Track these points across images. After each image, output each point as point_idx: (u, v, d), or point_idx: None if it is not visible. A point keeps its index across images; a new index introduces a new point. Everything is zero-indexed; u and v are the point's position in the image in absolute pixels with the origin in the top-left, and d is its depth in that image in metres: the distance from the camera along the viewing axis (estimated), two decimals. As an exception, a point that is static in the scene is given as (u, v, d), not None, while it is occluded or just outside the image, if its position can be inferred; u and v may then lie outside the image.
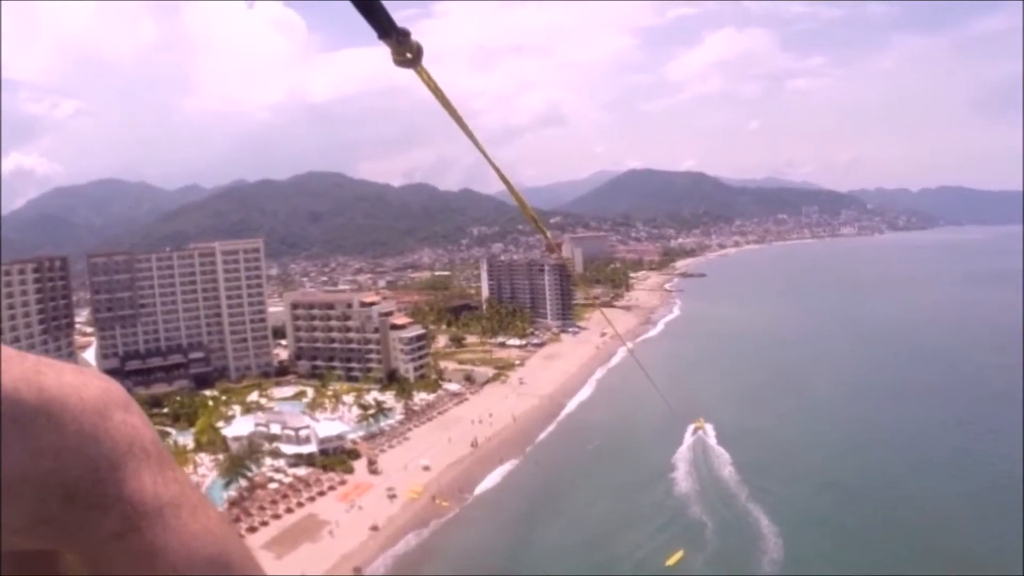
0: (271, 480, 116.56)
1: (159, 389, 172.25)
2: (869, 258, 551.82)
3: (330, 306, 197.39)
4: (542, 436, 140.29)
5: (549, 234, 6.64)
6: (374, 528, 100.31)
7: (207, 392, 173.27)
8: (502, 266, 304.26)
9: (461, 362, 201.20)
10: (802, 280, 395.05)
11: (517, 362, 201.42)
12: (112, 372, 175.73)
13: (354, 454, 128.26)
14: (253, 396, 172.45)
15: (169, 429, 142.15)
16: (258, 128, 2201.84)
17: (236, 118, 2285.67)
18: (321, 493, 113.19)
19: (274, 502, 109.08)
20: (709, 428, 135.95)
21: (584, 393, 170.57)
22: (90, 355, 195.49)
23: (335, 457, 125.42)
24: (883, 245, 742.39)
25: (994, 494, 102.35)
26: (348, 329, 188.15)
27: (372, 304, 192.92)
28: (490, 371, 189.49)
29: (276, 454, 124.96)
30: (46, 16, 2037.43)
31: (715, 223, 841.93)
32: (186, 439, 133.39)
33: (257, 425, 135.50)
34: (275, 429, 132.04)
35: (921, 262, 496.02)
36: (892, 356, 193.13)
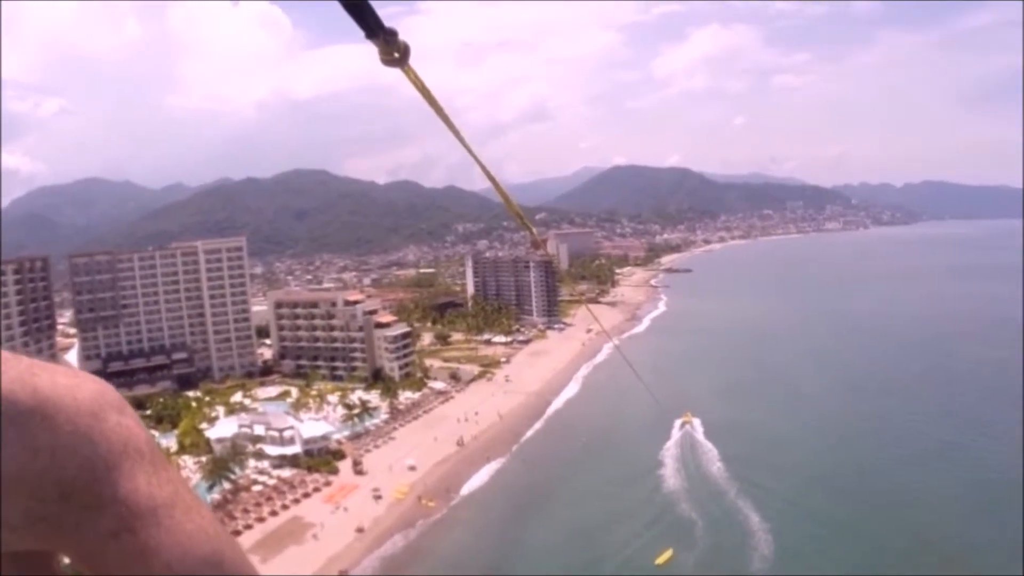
0: (255, 482, 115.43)
1: (142, 390, 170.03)
2: (854, 253, 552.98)
3: (314, 305, 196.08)
4: (529, 434, 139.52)
5: (535, 231, 6.34)
6: (360, 530, 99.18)
7: (190, 393, 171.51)
8: (487, 263, 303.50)
9: (447, 360, 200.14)
10: (788, 275, 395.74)
11: (503, 359, 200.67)
12: (94, 374, 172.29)
13: (339, 455, 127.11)
14: (237, 396, 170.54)
15: (152, 431, 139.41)
16: (243, 126, 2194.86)
17: (221, 116, 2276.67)
18: (306, 495, 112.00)
19: (258, 504, 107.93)
20: (696, 422, 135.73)
21: (571, 390, 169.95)
22: (72, 356, 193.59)
23: (320, 458, 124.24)
24: (868, 240, 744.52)
25: (987, 488, 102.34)
26: (332, 328, 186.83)
27: (356, 302, 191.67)
28: (476, 369, 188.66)
29: (260, 455, 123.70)
30: (29, 13, 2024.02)
31: (700, 219, 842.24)
32: (169, 441, 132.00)
33: (241, 426, 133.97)
34: (259, 430, 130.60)
35: (905, 256, 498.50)
36: (879, 350, 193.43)
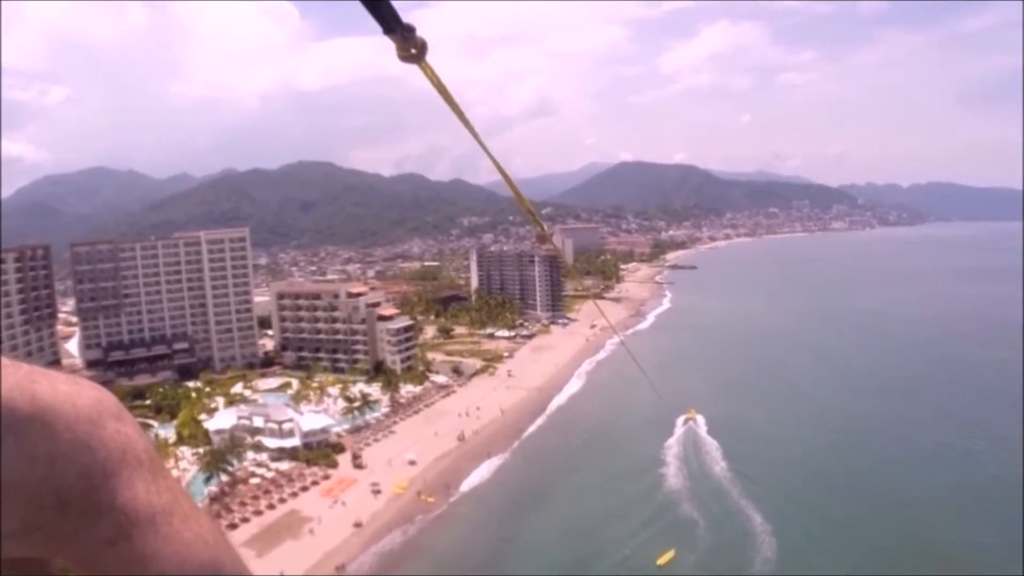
0: (253, 475, 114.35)
1: (142, 380, 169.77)
2: (860, 253, 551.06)
3: (316, 296, 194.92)
4: (531, 429, 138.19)
5: (544, 225, 6.06)
6: (358, 525, 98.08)
7: (191, 383, 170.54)
8: (492, 257, 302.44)
9: (449, 353, 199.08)
10: (793, 274, 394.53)
11: (506, 354, 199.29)
12: (95, 363, 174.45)
13: (338, 448, 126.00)
14: (237, 387, 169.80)
15: (151, 422, 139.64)
16: (248, 116, 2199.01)
17: (226, 106, 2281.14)
18: (304, 488, 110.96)
19: (256, 498, 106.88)
20: (700, 419, 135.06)
21: (574, 385, 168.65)
22: (73, 346, 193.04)
23: (319, 451, 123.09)
24: (874, 240, 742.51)
25: (987, 489, 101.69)
26: (335, 320, 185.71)
27: (359, 295, 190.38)
28: (478, 363, 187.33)
29: (259, 448, 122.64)
30: (34, 2, 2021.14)
31: (706, 216, 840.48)
32: (168, 432, 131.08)
33: (240, 418, 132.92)
34: (258, 422, 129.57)
35: (912, 257, 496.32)
36: (882, 350, 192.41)
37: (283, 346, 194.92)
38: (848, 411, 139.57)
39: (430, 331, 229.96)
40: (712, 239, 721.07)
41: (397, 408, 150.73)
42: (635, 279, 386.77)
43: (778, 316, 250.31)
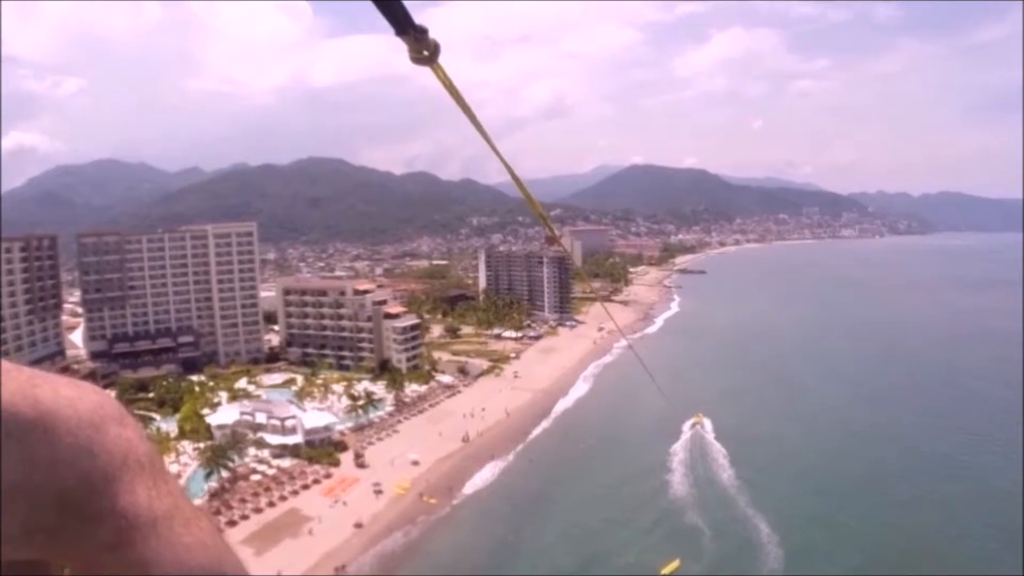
0: (254, 472, 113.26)
1: (146, 373, 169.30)
2: (869, 261, 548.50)
3: (323, 293, 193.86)
4: (536, 432, 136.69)
5: (558, 229, 4.94)
6: (358, 525, 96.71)
7: (194, 377, 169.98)
8: (500, 257, 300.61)
9: (455, 353, 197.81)
10: (802, 281, 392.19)
11: (512, 355, 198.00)
12: (99, 354, 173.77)
13: (341, 446, 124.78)
14: (241, 382, 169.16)
15: (153, 415, 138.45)
16: (260, 112, 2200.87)
17: (239, 101, 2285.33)
18: (305, 487, 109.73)
19: (256, 495, 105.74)
20: (707, 423, 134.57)
21: (580, 388, 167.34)
22: (77, 337, 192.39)
23: (321, 449, 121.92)
24: (883, 248, 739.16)
25: (990, 500, 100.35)
26: (341, 317, 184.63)
27: (366, 292, 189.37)
28: (485, 363, 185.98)
29: (260, 444, 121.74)
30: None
31: (716, 221, 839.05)
32: (170, 426, 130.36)
33: (242, 414, 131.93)
34: (260, 418, 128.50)
35: (920, 266, 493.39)
36: (890, 359, 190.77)
37: (288, 342, 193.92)
38: (856, 419, 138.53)
39: (437, 330, 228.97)
40: (722, 244, 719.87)
41: (401, 407, 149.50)
42: (644, 282, 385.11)
43: (787, 323, 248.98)
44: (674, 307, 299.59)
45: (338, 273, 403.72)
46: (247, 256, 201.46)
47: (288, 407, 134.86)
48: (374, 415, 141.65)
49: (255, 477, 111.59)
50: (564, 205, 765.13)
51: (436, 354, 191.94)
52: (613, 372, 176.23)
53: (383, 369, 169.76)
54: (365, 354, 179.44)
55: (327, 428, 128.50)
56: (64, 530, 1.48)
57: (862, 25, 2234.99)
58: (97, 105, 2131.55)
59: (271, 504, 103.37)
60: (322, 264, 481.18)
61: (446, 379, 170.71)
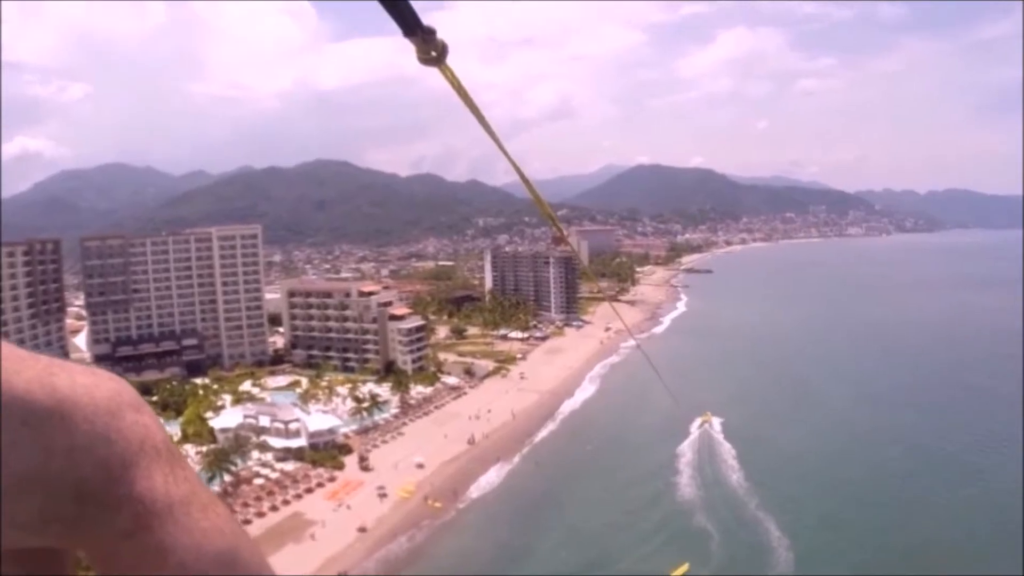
0: (257, 475, 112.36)
1: (150, 376, 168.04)
2: (876, 259, 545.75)
3: (328, 295, 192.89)
4: (542, 434, 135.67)
5: (564, 229, 6.49)
6: (362, 529, 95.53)
7: (199, 380, 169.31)
8: (506, 257, 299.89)
9: (461, 354, 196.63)
10: (809, 279, 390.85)
11: (519, 356, 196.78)
12: (103, 358, 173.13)
13: (345, 449, 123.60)
14: (246, 385, 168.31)
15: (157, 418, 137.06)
16: (266, 115, 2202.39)
17: (244, 104, 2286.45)
18: (308, 490, 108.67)
19: (259, 499, 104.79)
20: (715, 422, 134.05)
21: (587, 389, 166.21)
22: (81, 340, 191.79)
23: (325, 452, 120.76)
24: (890, 246, 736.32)
25: (1005, 501, 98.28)
26: (346, 319, 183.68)
27: (371, 294, 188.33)
28: (490, 364, 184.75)
29: (264, 448, 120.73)
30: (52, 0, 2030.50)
31: (722, 220, 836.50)
32: (173, 429, 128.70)
33: (246, 417, 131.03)
34: (264, 421, 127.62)
35: (927, 264, 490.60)
36: (898, 359, 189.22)
37: (293, 344, 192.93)
38: (863, 418, 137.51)
39: (443, 331, 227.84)
40: (728, 243, 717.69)
41: (407, 409, 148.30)
42: (650, 282, 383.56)
43: (794, 322, 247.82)
44: (681, 307, 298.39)
45: (344, 275, 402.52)
46: (251, 258, 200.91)
47: (292, 410, 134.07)
48: (379, 417, 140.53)
49: (258, 481, 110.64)
50: (570, 205, 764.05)
51: (442, 355, 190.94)
52: (620, 372, 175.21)
53: (388, 371, 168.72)
54: (370, 356, 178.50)
55: (331, 431, 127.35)
56: (81, 518, 1.49)
57: (866, 24, 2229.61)
58: (102, 109, 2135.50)
59: (274, 508, 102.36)
60: (328, 266, 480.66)
61: (452, 381, 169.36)
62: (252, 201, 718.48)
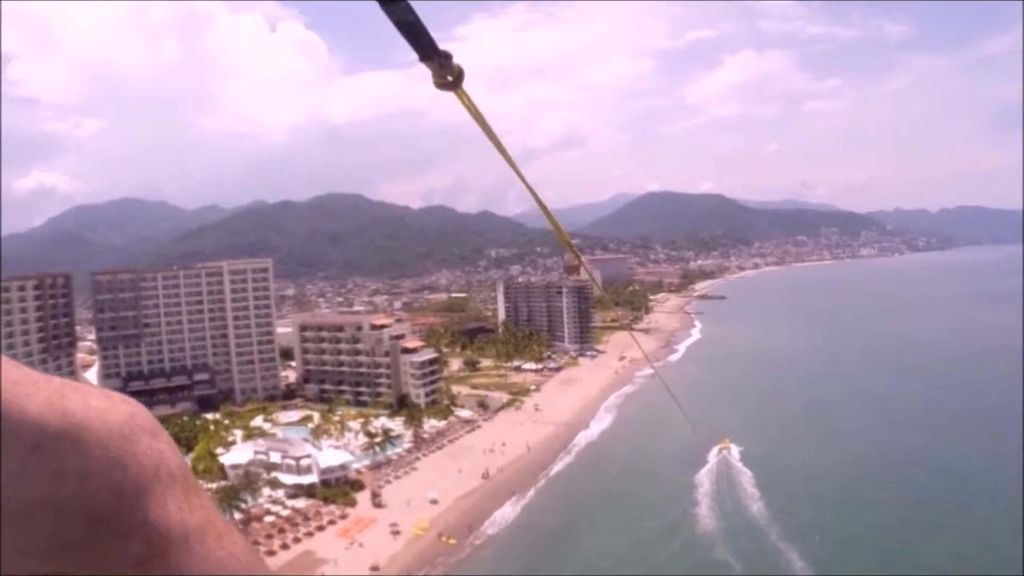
0: (268, 512, 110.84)
1: (161, 411, 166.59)
2: (890, 279, 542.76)
3: (339, 328, 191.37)
4: (558, 466, 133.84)
5: (579, 254, 6.28)
6: (374, 568, 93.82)
7: (210, 415, 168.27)
8: (519, 288, 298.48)
9: (475, 387, 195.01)
10: (823, 302, 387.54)
11: (533, 387, 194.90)
12: None
13: (357, 485, 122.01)
14: (258, 420, 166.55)
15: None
16: (278, 149, 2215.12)
17: (256, 139, 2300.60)
18: (320, 528, 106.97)
19: (269, 536, 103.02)
20: (734, 448, 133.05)
21: (603, 419, 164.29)
22: (92, 375, 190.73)
23: (337, 488, 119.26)
24: (903, 266, 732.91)
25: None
26: (358, 352, 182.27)
27: (383, 327, 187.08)
28: (504, 397, 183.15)
29: (274, 484, 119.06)
30: (67, 36, 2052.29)
31: (734, 245, 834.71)
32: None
33: (256, 453, 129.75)
34: (275, 457, 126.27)
35: (943, 283, 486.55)
36: (917, 381, 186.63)
37: (305, 378, 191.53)
38: (883, 442, 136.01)
39: (456, 364, 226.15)
40: (741, 268, 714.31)
41: (420, 443, 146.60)
42: (664, 310, 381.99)
43: (810, 346, 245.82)
44: (696, 334, 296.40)
45: (357, 308, 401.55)
46: (263, 292, 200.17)
47: (303, 446, 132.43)
48: (392, 452, 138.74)
49: (269, 518, 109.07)
50: (582, 234, 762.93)
51: (455, 388, 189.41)
52: (636, 402, 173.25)
53: (401, 404, 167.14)
54: (383, 389, 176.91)
55: (343, 467, 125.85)
56: (93, 544, 1.43)
57: (872, 43, 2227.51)
58: (116, 145, 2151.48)
59: (284, 546, 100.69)
60: (341, 299, 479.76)
61: (465, 414, 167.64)
62: (265, 235, 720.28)
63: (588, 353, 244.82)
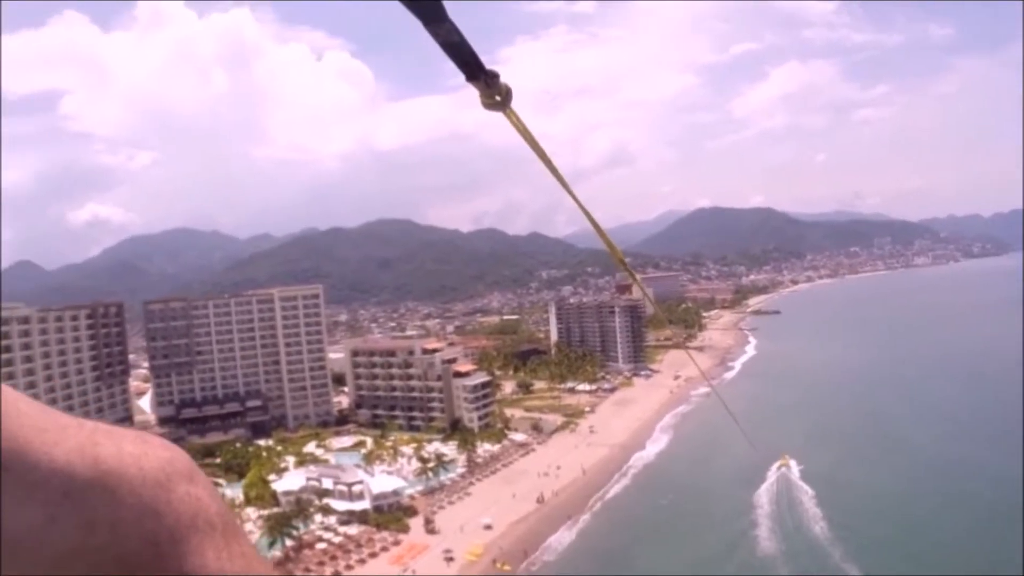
0: (320, 539, 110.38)
1: (214, 438, 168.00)
2: (946, 288, 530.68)
3: (391, 353, 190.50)
4: (614, 490, 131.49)
5: (637, 276, 6.07)
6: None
7: (263, 442, 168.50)
8: (571, 309, 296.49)
9: (528, 409, 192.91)
10: (879, 314, 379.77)
11: (587, 409, 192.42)
12: (167, 420, 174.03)
13: (410, 511, 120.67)
14: (310, 446, 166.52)
15: (219, 480, 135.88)
16: (328, 177, 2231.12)
17: (306, 167, 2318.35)
18: (372, 554, 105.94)
19: (321, 564, 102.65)
20: (793, 464, 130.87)
21: (659, 440, 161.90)
22: (145, 402, 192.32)
23: (389, 515, 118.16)
24: (959, 274, 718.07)
25: None
26: (410, 377, 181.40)
27: (435, 351, 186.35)
28: (559, 419, 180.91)
29: (327, 511, 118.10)
30: (118, 70, 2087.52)
31: (786, 259, 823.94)
32: (235, 492, 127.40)
33: (309, 479, 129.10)
34: (327, 483, 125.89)
35: (999, 290, 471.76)
36: (982, 392, 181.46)
37: (358, 403, 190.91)
38: (947, 456, 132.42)
39: (509, 386, 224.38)
40: (794, 282, 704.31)
41: (473, 468, 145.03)
42: (718, 327, 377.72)
43: (868, 358, 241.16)
44: (750, 350, 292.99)
45: (409, 332, 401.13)
46: (314, 319, 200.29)
47: (355, 472, 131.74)
48: (445, 477, 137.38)
49: (321, 545, 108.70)
50: (633, 253, 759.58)
51: (508, 411, 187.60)
52: (692, 421, 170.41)
53: (454, 429, 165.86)
54: (435, 414, 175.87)
55: (396, 492, 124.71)
56: None
57: (917, 48, 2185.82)
58: (169, 176, 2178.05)
59: (336, 574, 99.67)
60: (393, 324, 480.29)
61: (519, 437, 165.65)
62: (317, 262, 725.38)
63: (642, 373, 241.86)
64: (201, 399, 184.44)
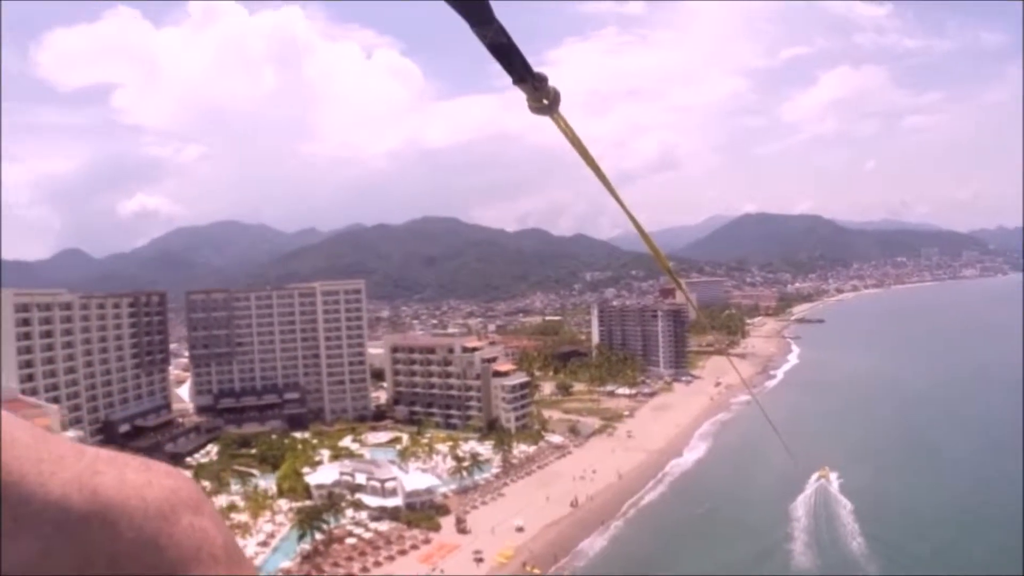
0: (350, 534, 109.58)
1: (251, 428, 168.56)
2: (993, 301, 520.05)
3: (431, 350, 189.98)
4: (650, 496, 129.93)
5: (677, 278, 6.19)
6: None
7: (299, 434, 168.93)
8: (613, 312, 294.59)
9: (566, 411, 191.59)
10: (925, 325, 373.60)
11: (626, 413, 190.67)
12: (205, 409, 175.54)
13: (443, 510, 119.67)
14: (346, 441, 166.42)
15: (253, 471, 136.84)
16: (375, 174, 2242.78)
17: (353, 164, 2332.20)
18: (402, 552, 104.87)
19: (350, 559, 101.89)
20: (833, 477, 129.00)
21: (697, 447, 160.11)
22: (184, 391, 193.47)
23: (421, 512, 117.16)
24: (1007, 286, 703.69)
25: None
26: (449, 375, 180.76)
27: (474, 349, 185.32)
28: (596, 422, 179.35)
29: (358, 506, 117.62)
30: (169, 65, 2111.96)
31: (832, 267, 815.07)
32: (269, 483, 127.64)
33: (342, 474, 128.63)
34: (360, 479, 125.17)
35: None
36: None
37: (396, 400, 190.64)
38: (992, 471, 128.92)
39: (548, 388, 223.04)
40: (839, 291, 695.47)
41: (508, 469, 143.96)
42: (761, 334, 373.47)
43: (912, 370, 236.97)
44: (793, 359, 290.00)
45: (451, 330, 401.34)
46: (355, 313, 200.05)
47: (389, 468, 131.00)
48: (479, 477, 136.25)
49: (350, 540, 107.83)
50: (678, 257, 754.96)
51: (546, 412, 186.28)
52: (731, 430, 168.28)
53: (491, 428, 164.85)
54: (473, 413, 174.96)
55: (429, 491, 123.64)
56: None
57: (969, 55, 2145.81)
58: (217, 169, 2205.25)
59: (364, 570, 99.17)
60: (435, 321, 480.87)
61: (556, 439, 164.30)
62: (361, 257, 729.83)
63: (683, 378, 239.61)
64: (240, 390, 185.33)
